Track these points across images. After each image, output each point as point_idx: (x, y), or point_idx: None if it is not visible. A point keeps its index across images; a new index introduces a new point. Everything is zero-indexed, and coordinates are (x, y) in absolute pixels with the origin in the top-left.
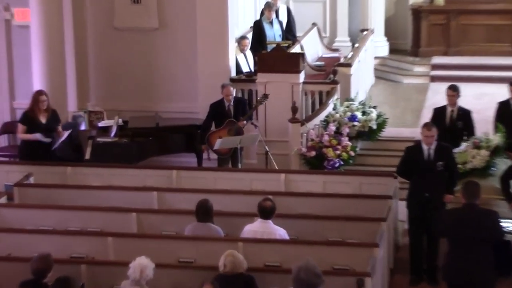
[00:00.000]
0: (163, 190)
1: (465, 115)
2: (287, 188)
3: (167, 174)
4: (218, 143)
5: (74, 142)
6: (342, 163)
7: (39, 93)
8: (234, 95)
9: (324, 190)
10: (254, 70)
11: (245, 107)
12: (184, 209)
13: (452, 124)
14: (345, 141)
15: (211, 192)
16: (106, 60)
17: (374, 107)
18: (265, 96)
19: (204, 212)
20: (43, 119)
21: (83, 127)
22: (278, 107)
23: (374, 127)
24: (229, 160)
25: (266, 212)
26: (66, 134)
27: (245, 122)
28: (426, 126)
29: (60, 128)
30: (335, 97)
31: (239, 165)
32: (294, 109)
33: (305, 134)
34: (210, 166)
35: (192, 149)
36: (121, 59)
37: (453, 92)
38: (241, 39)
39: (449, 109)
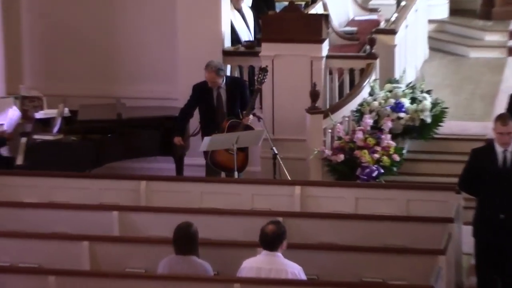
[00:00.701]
0: (127, 209)
1: None
2: (304, 206)
3: (133, 186)
4: (205, 143)
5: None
6: (382, 171)
7: None
8: (229, 74)
9: (356, 210)
10: (257, 38)
11: (244, 92)
12: (158, 237)
13: None
14: (387, 140)
15: (196, 212)
16: (47, 28)
17: (428, 92)
18: (263, 71)
19: (185, 241)
20: None
21: (12, 118)
22: (291, 91)
23: (428, 120)
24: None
25: (268, 241)
26: None
27: (251, 117)
28: (500, 119)
29: None
30: (373, 77)
31: (236, 174)
32: (314, 95)
33: (330, 130)
34: (195, 175)
35: (169, 151)
36: (67, 26)
37: None
38: None
39: None
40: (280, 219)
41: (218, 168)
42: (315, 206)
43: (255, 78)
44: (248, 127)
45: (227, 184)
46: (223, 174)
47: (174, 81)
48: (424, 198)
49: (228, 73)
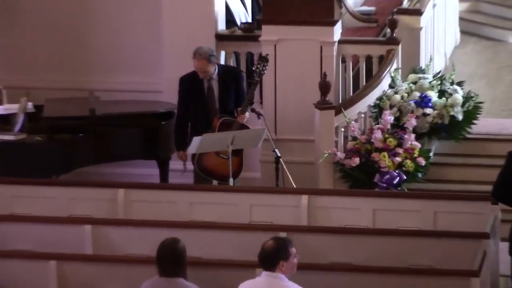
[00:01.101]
0: (102, 222)
1: None
2: (312, 219)
3: (109, 195)
4: (194, 143)
5: None
6: (404, 177)
7: None
8: (223, 62)
9: (374, 223)
10: (256, 19)
11: (239, 85)
12: (138, 255)
13: None
14: (411, 140)
15: (184, 227)
16: (7, 10)
17: (460, 84)
18: (263, 60)
19: (171, 261)
20: None
21: None
22: (297, 83)
23: (460, 117)
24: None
25: (263, 258)
26: None
27: (247, 114)
28: None
29: None
30: (394, 66)
31: (231, 181)
32: (325, 87)
33: (343, 129)
34: (182, 182)
35: (152, 154)
36: (31, 8)
37: None
38: None
39: None
40: (284, 234)
41: (206, 175)
42: (325, 219)
43: (253, 68)
44: (244, 127)
45: (220, 193)
46: (214, 182)
47: (158, 71)
48: (454, 209)
49: (222, 62)
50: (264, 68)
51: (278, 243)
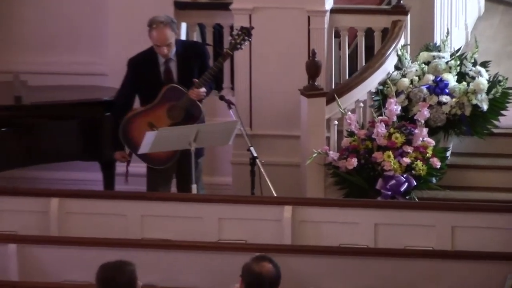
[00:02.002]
0: (30, 240)
1: None
2: (298, 237)
3: (40, 206)
4: (147, 141)
5: None
6: (415, 183)
7: None
8: (184, 38)
9: (376, 241)
10: None
11: (204, 63)
12: (75, 283)
13: None
14: (423, 136)
15: (135, 246)
16: None
17: (485, 65)
18: (244, 33)
19: None
20: None
21: None
22: (278, 63)
23: (484, 107)
24: (172, 176)
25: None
26: None
27: (203, 90)
28: None
29: None
30: (402, 42)
31: (195, 188)
32: (313, 68)
33: (336, 122)
34: (132, 189)
35: (94, 154)
36: None
37: None
38: None
39: None
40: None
41: (148, 163)
42: (315, 237)
43: (230, 40)
44: (194, 106)
45: (181, 204)
46: (173, 189)
47: (102, 49)
48: (477, 223)
49: (183, 37)
50: (243, 42)
51: (276, 265)
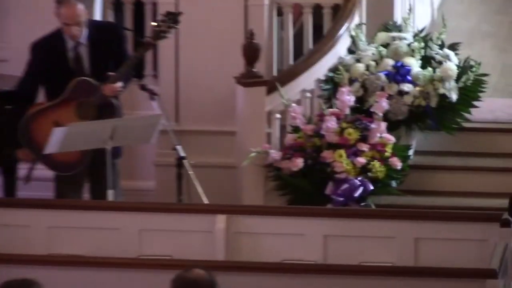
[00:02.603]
0: None
1: None
2: (233, 251)
3: None
4: (55, 138)
5: None
6: (372, 188)
7: None
8: (99, 18)
9: (326, 257)
10: None
11: (121, 47)
12: None
13: None
14: (381, 132)
15: (40, 263)
16: None
17: (454, 47)
18: (171, 18)
19: None
20: None
21: None
22: (209, 46)
23: (454, 97)
24: (83, 181)
25: None
26: None
27: (119, 85)
28: None
29: None
30: (356, 21)
31: (112, 194)
32: (251, 52)
33: (279, 116)
34: (37, 196)
35: None
36: None
37: None
38: None
39: None
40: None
41: (53, 167)
42: (253, 251)
43: (153, 27)
44: (108, 104)
45: (95, 213)
46: (86, 195)
47: (2, 30)
48: (444, 235)
49: (97, 17)
50: (168, 30)
51: (209, 273)
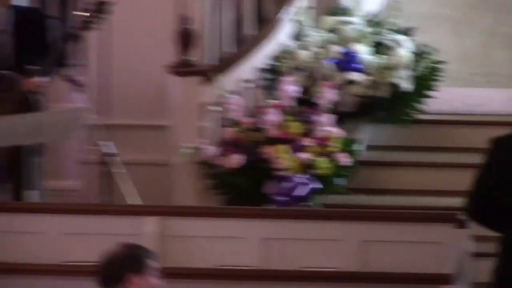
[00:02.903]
0: None
1: None
2: (166, 256)
3: None
4: None
5: None
6: (316, 186)
7: None
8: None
9: (267, 261)
10: None
11: (45, 35)
12: None
13: None
14: (327, 125)
15: None
16: None
17: (408, 32)
18: (100, 9)
19: None
20: None
21: None
22: (140, 34)
23: (407, 86)
24: (1, 180)
25: (106, 271)
26: None
27: (43, 79)
28: None
29: None
30: (302, 3)
31: (34, 195)
32: (185, 38)
33: (216, 108)
34: None
35: None
36: None
37: None
38: None
39: None
40: None
41: None
42: (186, 256)
43: (79, 18)
44: (28, 100)
45: (12, 215)
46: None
47: None
48: (395, 237)
49: (21, 2)
50: (97, 21)
51: (129, 250)
